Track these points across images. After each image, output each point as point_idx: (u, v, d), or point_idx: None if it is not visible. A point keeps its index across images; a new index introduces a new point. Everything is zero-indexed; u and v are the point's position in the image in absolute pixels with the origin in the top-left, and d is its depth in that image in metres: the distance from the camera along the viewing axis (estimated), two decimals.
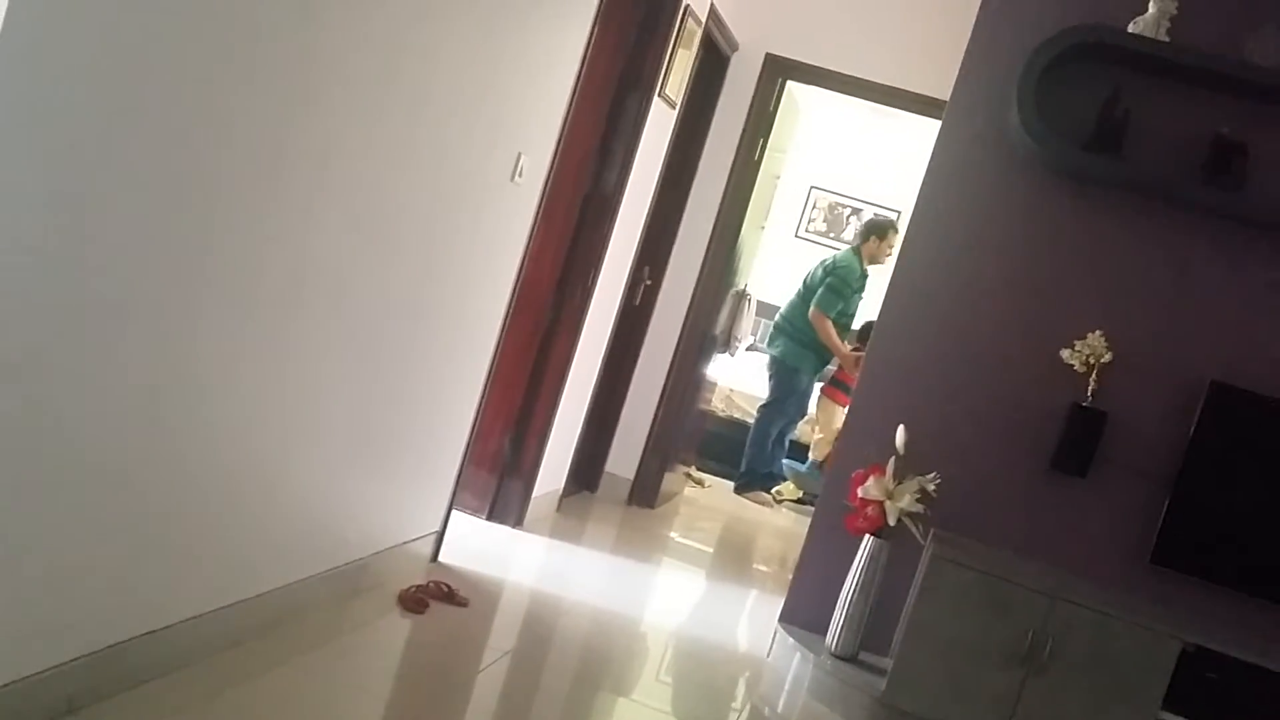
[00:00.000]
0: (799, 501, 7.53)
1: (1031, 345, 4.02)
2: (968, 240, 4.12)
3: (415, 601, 3.65)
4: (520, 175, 3.89)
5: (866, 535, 3.95)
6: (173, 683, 2.72)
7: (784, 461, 7.59)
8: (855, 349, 7.15)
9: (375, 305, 3.27)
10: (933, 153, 4.18)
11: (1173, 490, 3.88)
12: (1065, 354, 3.91)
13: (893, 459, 3.90)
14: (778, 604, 4.40)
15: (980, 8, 4.14)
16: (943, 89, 5.54)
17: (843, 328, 7.28)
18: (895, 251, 7.17)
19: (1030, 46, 3.89)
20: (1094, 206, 3.99)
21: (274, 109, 2.54)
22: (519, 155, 3.85)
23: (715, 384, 7.55)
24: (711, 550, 6.24)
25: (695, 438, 7.22)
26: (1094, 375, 3.90)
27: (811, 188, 10.46)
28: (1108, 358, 3.90)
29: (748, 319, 7.37)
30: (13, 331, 2.02)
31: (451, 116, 3.36)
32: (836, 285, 7.13)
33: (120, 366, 2.32)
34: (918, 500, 3.85)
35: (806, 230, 10.46)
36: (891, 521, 3.84)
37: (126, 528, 2.50)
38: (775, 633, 4.25)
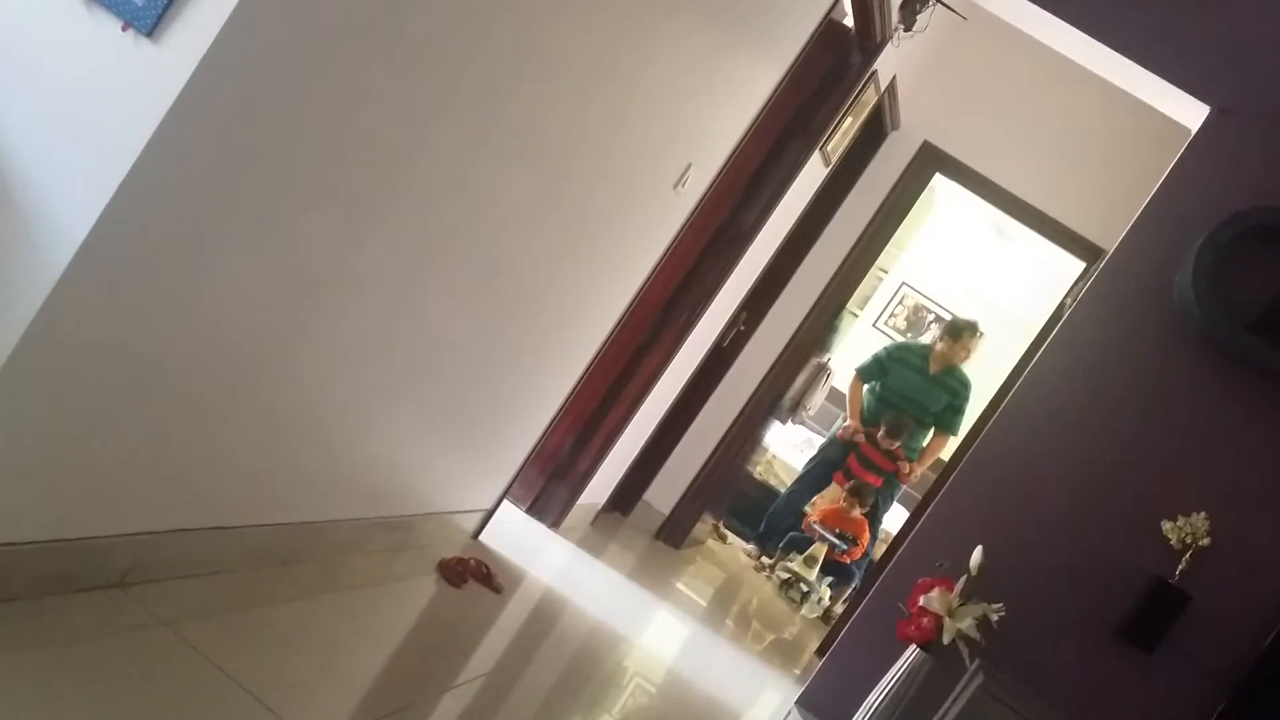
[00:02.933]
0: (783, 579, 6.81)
1: (1130, 507, 3.88)
2: (1096, 385, 3.99)
3: (456, 575, 3.54)
4: (684, 185, 3.80)
5: (913, 645, 3.81)
6: (219, 583, 2.63)
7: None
8: (875, 430, 6.64)
9: (516, 283, 3.19)
10: (1085, 292, 4.09)
11: (1233, 694, 3.72)
12: (1166, 525, 3.77)
13: (964, 577, 3.77)
14: (767, 672, 4.28)
15: (1173, 167, 4.04)
16: (1093, 229, 5.51)
17: (887, 404, 6.70)
18: (971, 355, 6.61)
19: (1216, 215, 3.78)
20: (1238, 389, 3.85)
21: (485, 74, 2.46)
22: (689, 165, 3.76)
23: (768, 448, 7.44)
24: (705, 604, 6.09)
25: (729, 494, 7.09)
26: (1188, 555, 3.76)
27: (903, 283, 10.37)
28: (1206, 542, 3.76)
29: (821, 392, 7.26)
30: (215, 197, 1.93)
31: (636, 113, 3.28)
32: (880, 354, 6.83)
33: (284, 257, 2.24)
34: (976, 626, 3.71)
35: (886, 323, 10.35)
36: (946, 640, 3.70)
37: (218, 423, 2.42)
38: (789, 713, 4.11)
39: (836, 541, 6.53)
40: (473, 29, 2.32)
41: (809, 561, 6.52)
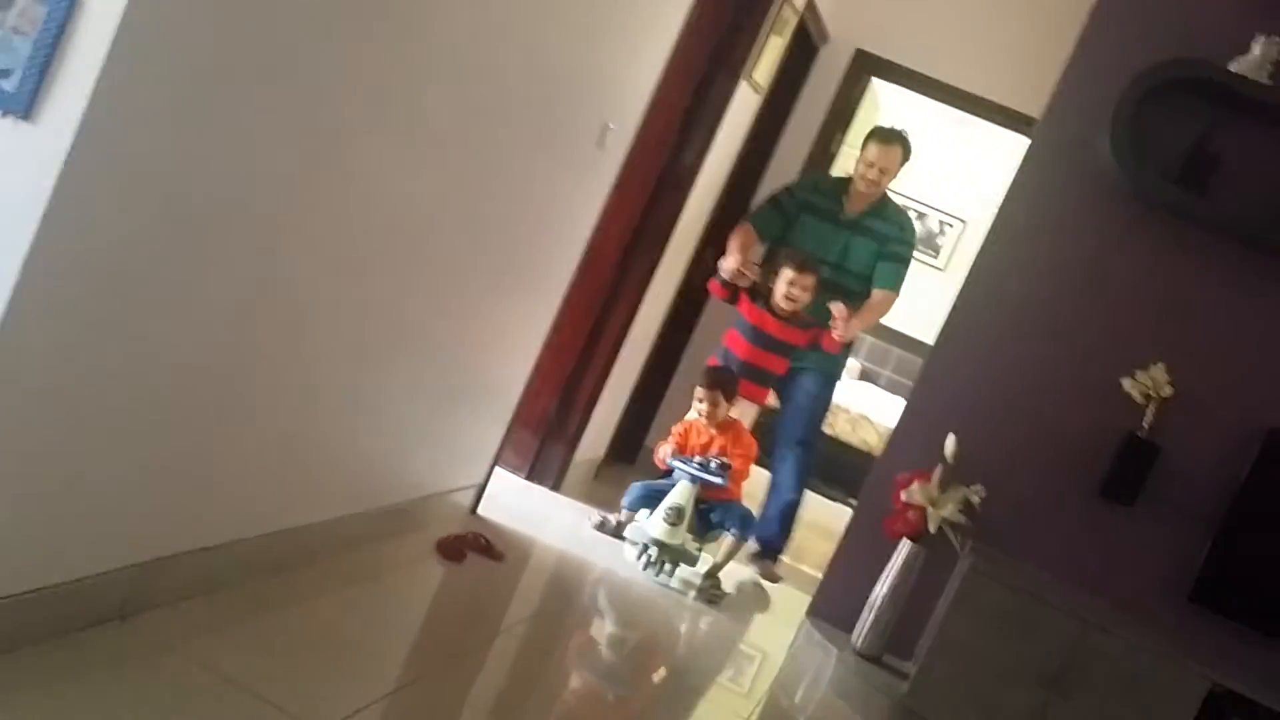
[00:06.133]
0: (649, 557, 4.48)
1: (1092, 370, 4.01)
2: (1041, 257, 4.11)
3: (453, 550, 3.69)
4: (605, 143, 3.90)
5: (904, 539, 3.96)
6: (218, 600, 2.77)
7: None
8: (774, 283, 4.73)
9: (453, 255, 3.31)
10: (1019, 167, 4.17)
11: (1218, 531, 3.86)
12: (1126, 383, 3.90)
13: (939, 466, 3.91)
14: (788, 590, 4.43)
15: (1083, 31, 4.11)
16: (1032, 105, 5.54)
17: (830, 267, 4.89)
18: (879, 170, 4.88)
19: (1129, 75, 3.86)
20: (1173, 240, 3.96)
21: (381, 63, 2.57)
22: (606, 124, 3.87)
23: None
24: None
25: None
26: (1152, 407, 3.89)
27: None
28: (1168, 391, 3.88)
29: None
30: (124, 245, 2.06)
31: (547, 79, 3.38)
32: (779, 196, 5.14)
33: (211, 282, 2.37)
34: (960, 510, 3.86)
35: None
36: (932, 529, 3.85)
37: (190, 447, 2.55)
38: (801, 626, 4.27)
39: (699, 474, 4.45)
40: (357, 35, 2.43)
41: (671, 516, 4.39)
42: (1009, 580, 3.72)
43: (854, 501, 7.44)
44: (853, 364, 9.48)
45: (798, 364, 4.98)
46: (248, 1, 2.10)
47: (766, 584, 5.04)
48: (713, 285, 4.94)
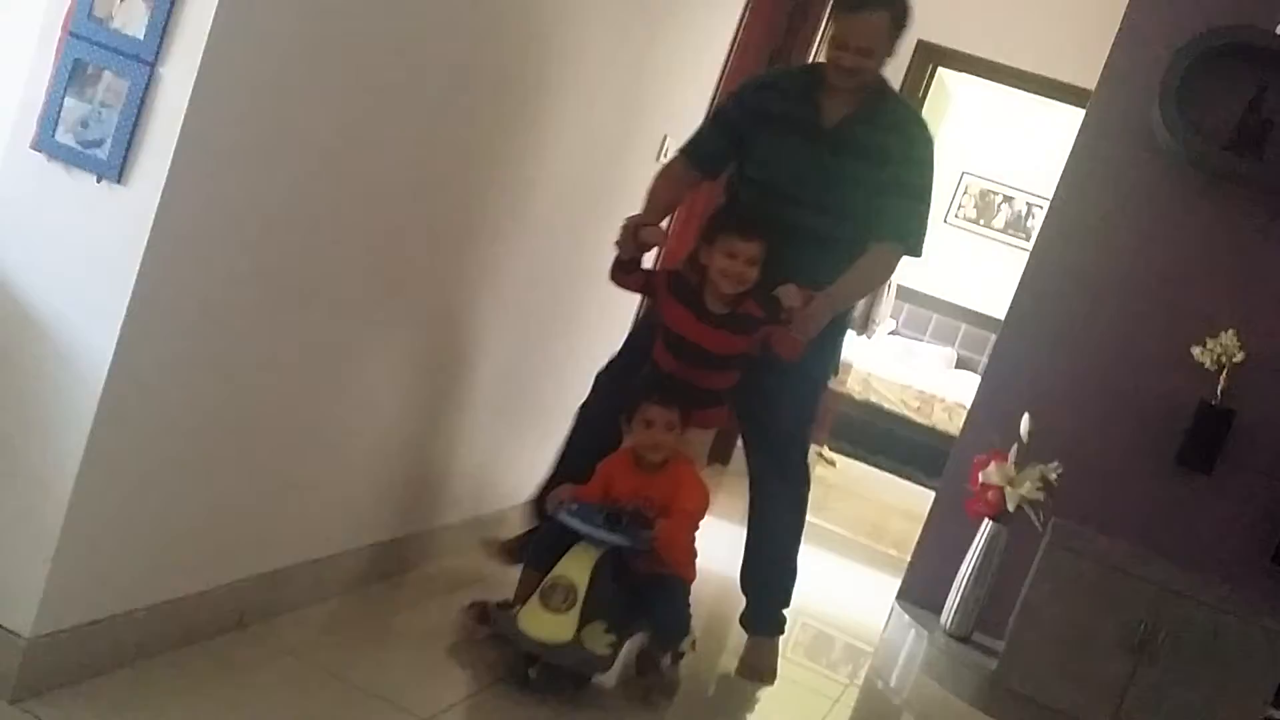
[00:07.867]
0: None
1: (1162, 340, 4.06)
2: (1104, 231, 4.17)
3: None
4: (665, 156, 4.07)
5: (985, 519, 4.04)
6: (330, 607, 3.00)
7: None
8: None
9: (527, 278, 3.51)
10: (1075, 142, 4.23)
11: None
12: (1196, 351, 3.93)
13: (1015, 446, 3.98)
14: (895, 584, 4.53)
15: (1129, 2, 4.17)
16: (1094, 80, 5.59)
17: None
18: (857, 50, 3.08)
19: (1178, 42, 3.92)
20: (1233, 206, 4.00)
21: (451, 102, 2.78)
22: (665, 137, 4.04)
23: (851, 366, 7.65)
24: (842, 531, 6.34)
25: (828, 418, 7.33)
26: (1224, 374, 3.92)
27: (963, 173, 10.40)
28: (1239, 357, 3.91)
29: (887, 302, 7.42)
30: (215, 285, 2.30)
31: (603, 100, 3.57)
32: (728, 109, 3.43)
33: (305, 307, 2.60)
34: (1039, 488, 3.93)
35: (956, 216, 10.38)
36: (1011, 507, 3.92)
37: (299, 467, 2.79)
38: (891, 609, 4.37)
39: (605, 535, 2.87)
40: (429, 80, 2.64)
41: (550, 597, 2.83)
42: (1091, 553, 3.79)
43: None
44: (948, 353, 9.49)
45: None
46: (313, 59, 2.32)
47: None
48: (614, 274, 3.26)
